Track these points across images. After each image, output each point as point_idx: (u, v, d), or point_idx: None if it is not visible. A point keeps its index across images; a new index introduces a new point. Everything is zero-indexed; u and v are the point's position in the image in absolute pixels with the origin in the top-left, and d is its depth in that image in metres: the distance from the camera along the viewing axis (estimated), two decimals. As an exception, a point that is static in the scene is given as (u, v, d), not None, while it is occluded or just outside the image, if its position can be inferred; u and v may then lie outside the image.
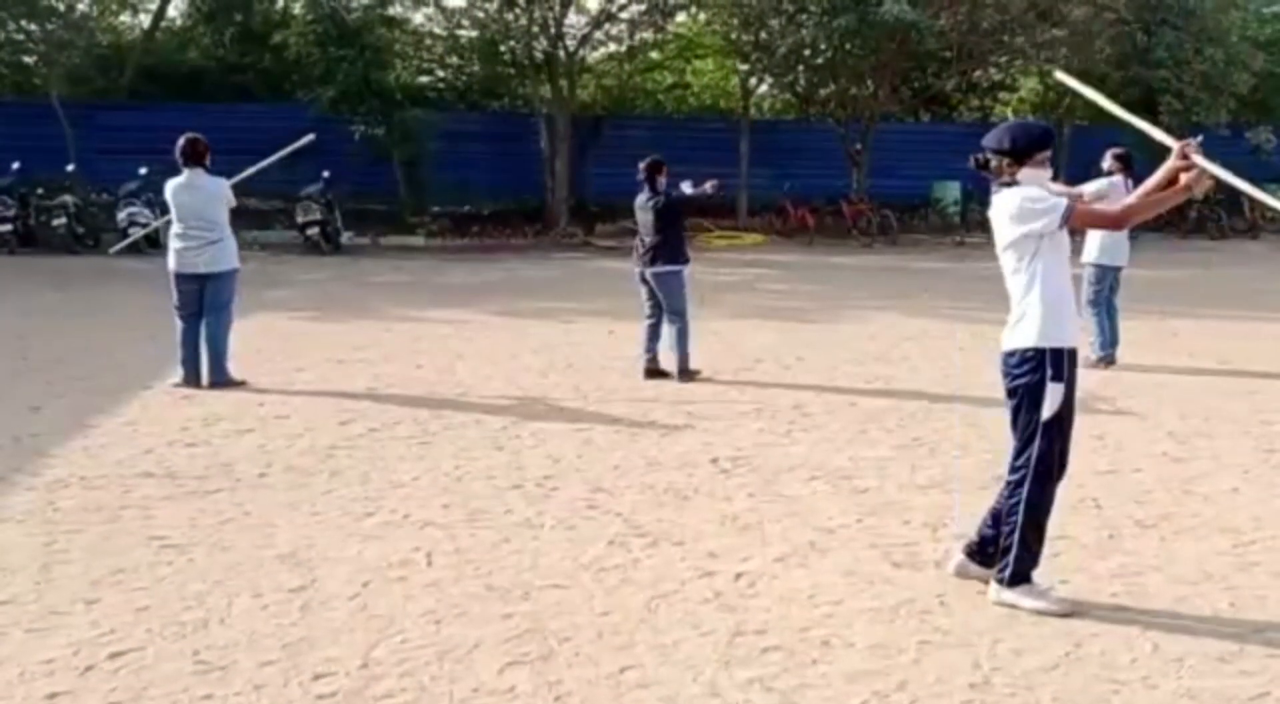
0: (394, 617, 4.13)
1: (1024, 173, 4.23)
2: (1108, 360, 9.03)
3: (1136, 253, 9.76)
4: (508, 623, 4.08)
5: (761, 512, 5.41)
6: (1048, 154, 4.31)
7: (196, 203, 8.12)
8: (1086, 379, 8.51)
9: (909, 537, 5.06)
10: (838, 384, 8.44)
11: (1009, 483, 4.30)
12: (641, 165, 8.71)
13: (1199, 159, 4.29)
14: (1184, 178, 4.31)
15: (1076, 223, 4.25)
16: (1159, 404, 7.74)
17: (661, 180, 8.61)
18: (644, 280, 8.70)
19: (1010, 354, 4.25)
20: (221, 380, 8.05)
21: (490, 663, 3.78)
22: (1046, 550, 4.48)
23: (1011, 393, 4.26)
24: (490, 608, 4.22)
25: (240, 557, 4.73)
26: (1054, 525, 5.04)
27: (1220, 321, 11.85)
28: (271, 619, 4.10)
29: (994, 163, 4.29)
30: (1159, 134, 4.67)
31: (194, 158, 8.17)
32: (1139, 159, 9.23)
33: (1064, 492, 5.61)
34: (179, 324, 8.13)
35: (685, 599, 4.33)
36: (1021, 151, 4.24)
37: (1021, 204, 4.16)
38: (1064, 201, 4.18)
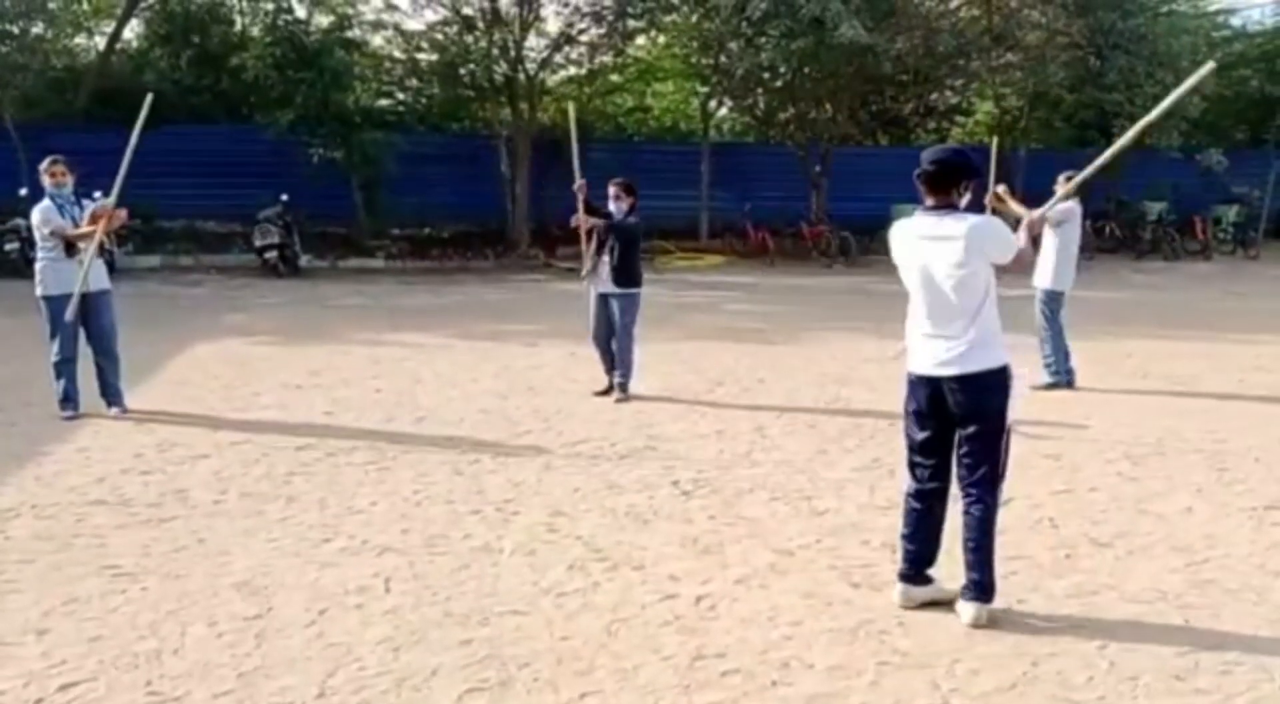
0: (351, 644, 4.09)
1: (967, 198, 4.32)
2: (1055, 384, 9.10)
3: (1092, 274, 9.88)
4: (466, 649, 4.05)
5: (722, 534, 5.42)
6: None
7: None
8: (1042, 401, 8.63)
9: (868, 558, 5.08)
10: (798, 405, 8.47)
11: (937, 496, 4.42)
12: (620, 183, 8.72)
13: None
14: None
15: (1019, 258, 4.36)
16: (1114, 424, 7.83)
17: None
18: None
19: (981, 375, 4.27)
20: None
21: (448, 690, 3.75)
22: (1003, 569, 4.52)
23: (974, 414, 4.29)
24: (449, 634, 4.19)
25: (195, 585, 4.67)
26: (1011, 544, 5.11)
27: (1173, 342, 12.01)
28: (226, 649, 4.05)
29: (952, 178, 4.28)
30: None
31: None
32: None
33: (1022, 511, 5.71)
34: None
35: (645, 623, 4.33)
36: (974, 175, 4.34)
37: (1002, 233, 4.29)
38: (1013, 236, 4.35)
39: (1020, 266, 4.48)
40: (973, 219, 4.26)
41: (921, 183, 4.32)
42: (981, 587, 4.30)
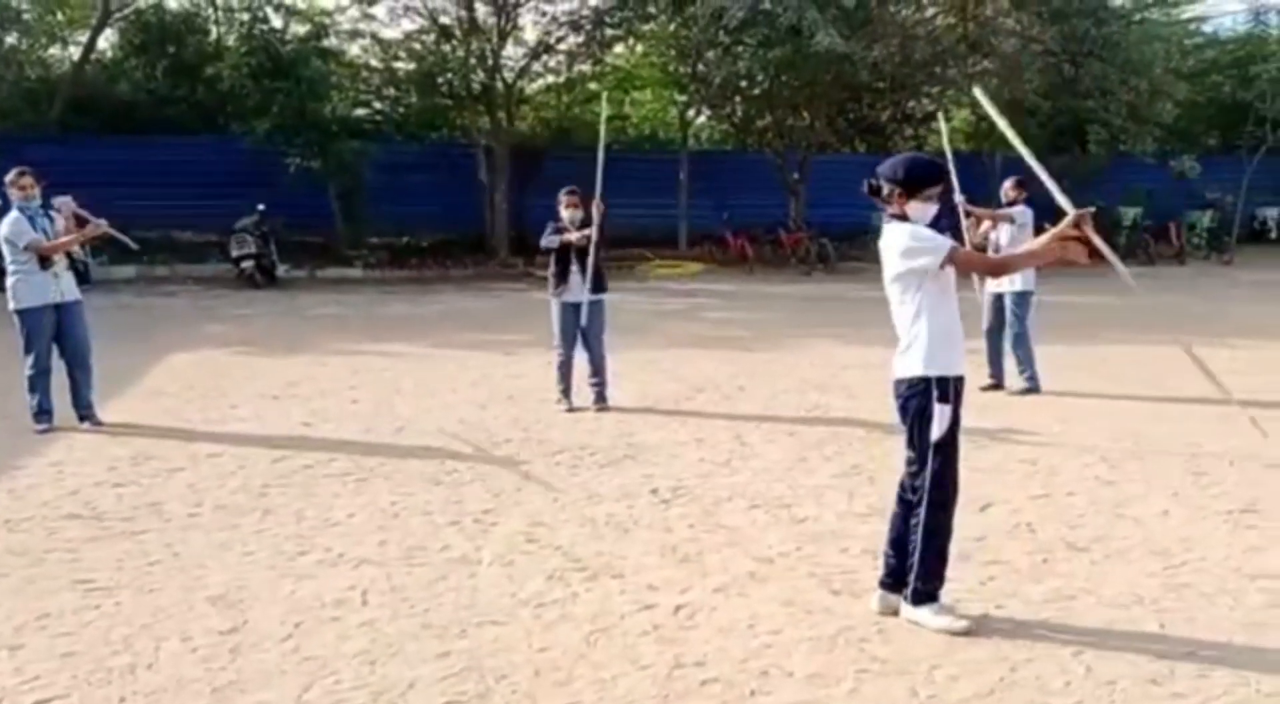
0: (327, 658, 4.06)
1: (913, 206, 4.32)
2: (1033, 389, 9.16)
3: (1066, 279, 9.94)
4: (444, 661, 4.03)
5: (701, 542, 5.41)
6: (937, 189, 4.39)
7: None
8: (1018, 406, 8.66)
9: (848, 565, 5.08)
10: (777, 413, 8.48)
11: (908, 504, 4.40)
12: (572, 191, 8.73)
13: (1089, 231, 4.50)
14: (1069, 245, 4.51)
15: (959, 265, 4.33)
16: (1090, 429, 7.87)
17: None
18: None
19: (900, 381, 4.36)
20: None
21: (426, 703, 3.72)
22: (981, 575, 4.52)
23: (904, 417, 4.36)
24: (426, 646, 4.16)
25: (169, 599, 4.63)
26: (989, 549, 5.12)
27: (1148, 346, 12.06)
28: (201, 663, 4.01)
29: (886, 191, 4.35)
30: (1060, 198, 4.72)
31: None
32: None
33: (999, 516, 5.72)
34: None
35: (624, 633, 4.31)
36: (914, 184, 4.32)
37: (909, 240, 4.27)
38: (948, 242, 4.29)
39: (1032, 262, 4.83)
40: (900, 227, 4.31)
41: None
42: (911, 586, 4.34)
